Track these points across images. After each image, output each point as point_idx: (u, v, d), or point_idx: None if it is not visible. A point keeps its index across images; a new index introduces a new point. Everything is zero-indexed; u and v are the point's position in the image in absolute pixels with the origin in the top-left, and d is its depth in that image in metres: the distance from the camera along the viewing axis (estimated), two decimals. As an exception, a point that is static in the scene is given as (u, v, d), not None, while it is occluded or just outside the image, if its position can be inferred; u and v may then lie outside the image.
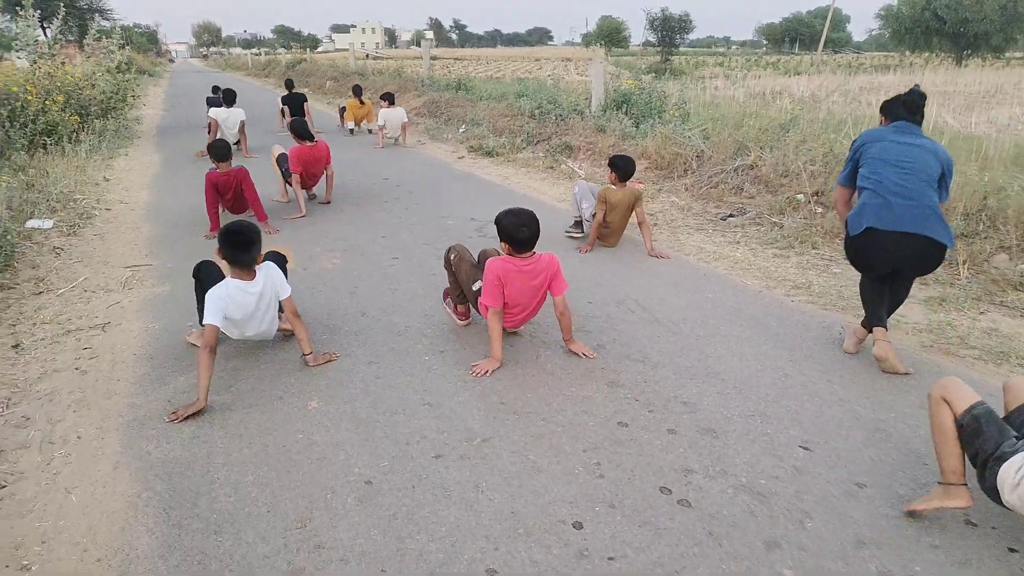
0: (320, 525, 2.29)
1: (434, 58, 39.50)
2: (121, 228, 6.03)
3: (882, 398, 3.11)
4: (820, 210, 5.95)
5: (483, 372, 3.31)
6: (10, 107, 9.08)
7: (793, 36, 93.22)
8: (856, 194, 3.56)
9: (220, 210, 5.85)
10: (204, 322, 3.06)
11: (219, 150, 5.81)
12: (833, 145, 6.78)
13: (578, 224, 5.76)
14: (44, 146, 8.94)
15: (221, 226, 3.37)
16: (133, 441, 2.79)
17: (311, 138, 6.54)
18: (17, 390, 3.21)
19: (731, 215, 6.33)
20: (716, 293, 4.48)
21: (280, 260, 3.59)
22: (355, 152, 10.39)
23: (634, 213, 5.34)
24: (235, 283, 3.16)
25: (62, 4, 12.18)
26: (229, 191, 5.86)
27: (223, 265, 3.33)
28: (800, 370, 3.39)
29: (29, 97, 9.22)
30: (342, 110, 12.82)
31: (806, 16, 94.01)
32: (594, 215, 5.36)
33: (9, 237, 4.78)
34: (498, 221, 3.31)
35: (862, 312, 3.56)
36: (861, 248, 3.44)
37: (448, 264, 3.81)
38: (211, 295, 3.06)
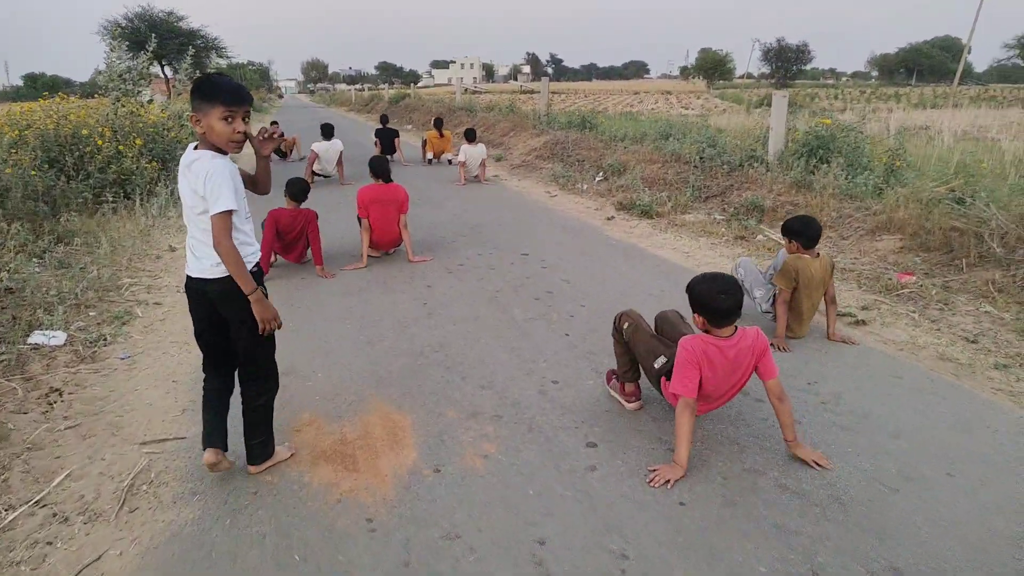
0: None
1: (530, 92, 37.74)
2: (164, 343, 4.12)
3: None
4: None
5: (663, 481, 2.53)
6: (78, 153, 7.61)
7: (910, 67, 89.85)
8: None
9: (273, 256, 5.67)
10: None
11: (295, 188, 5.56)
12: None
13: None
14: (111, 201, 7.35)
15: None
16: None
17: (385, 178, 5.82)
18: None
19: (1123, 350, 3.79)
20: None
21: None
22: (462, 200, 8.37)
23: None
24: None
25: (154, 36, 10.93)
26: (292, 232, 5.55)
27: None
28: None
29: (100, 141, 7.73)
30: (424, 143, 13.26)
31: (924, 47, 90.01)
32: (772, 296, 4.24)
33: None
34: (691, 288, 2.70)
35: None
36: None
37: (618, 333, 3.12)
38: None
